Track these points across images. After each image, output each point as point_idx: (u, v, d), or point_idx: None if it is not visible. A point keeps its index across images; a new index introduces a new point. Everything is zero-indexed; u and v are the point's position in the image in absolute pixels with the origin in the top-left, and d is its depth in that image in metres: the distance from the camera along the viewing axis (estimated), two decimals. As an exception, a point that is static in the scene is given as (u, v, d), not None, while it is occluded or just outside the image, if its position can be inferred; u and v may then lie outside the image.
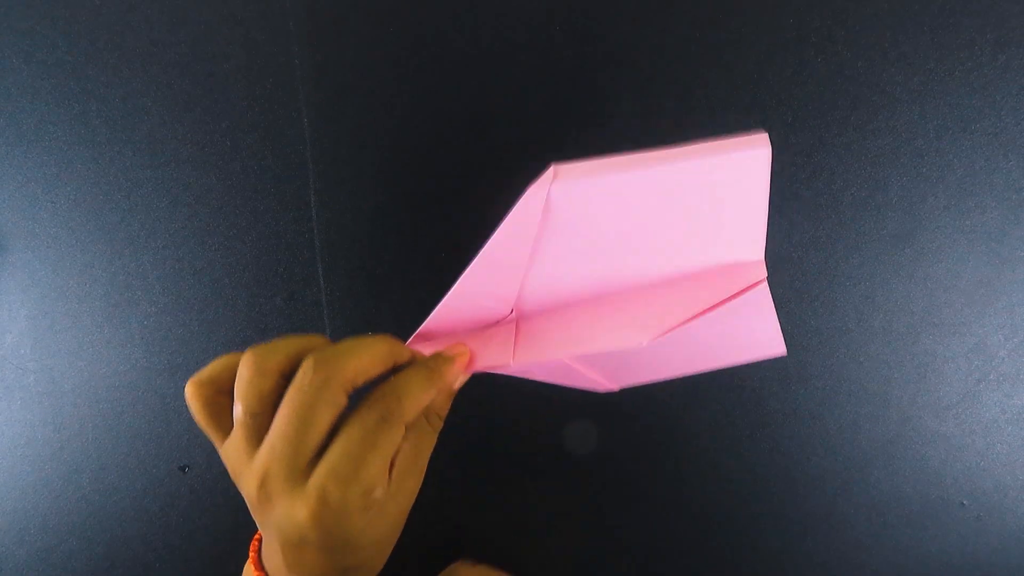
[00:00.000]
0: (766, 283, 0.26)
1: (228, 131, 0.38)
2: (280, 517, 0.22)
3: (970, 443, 0.37)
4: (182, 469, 0.38)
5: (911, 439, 0.37)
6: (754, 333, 0.28)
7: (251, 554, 0.26)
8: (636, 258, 0.28)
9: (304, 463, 0.21)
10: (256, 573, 0.25)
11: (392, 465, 0.24)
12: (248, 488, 0.22)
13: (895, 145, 0.37)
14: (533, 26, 0.38)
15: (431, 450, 0.26)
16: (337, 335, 0.38)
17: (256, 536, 0.26)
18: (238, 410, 0.22)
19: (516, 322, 0.29)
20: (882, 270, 0.37)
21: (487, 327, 0.30)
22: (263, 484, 0.22)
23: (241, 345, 0.38)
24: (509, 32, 0.38)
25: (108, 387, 0.38)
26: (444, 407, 0.27)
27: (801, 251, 0.37)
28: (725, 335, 0.28)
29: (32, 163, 0.38)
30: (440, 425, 0.27)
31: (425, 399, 0.24)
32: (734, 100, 0.36)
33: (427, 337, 0.30)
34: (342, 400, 0.23)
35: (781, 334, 0.28)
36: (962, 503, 0.37)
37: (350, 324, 0.38)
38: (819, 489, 0.38)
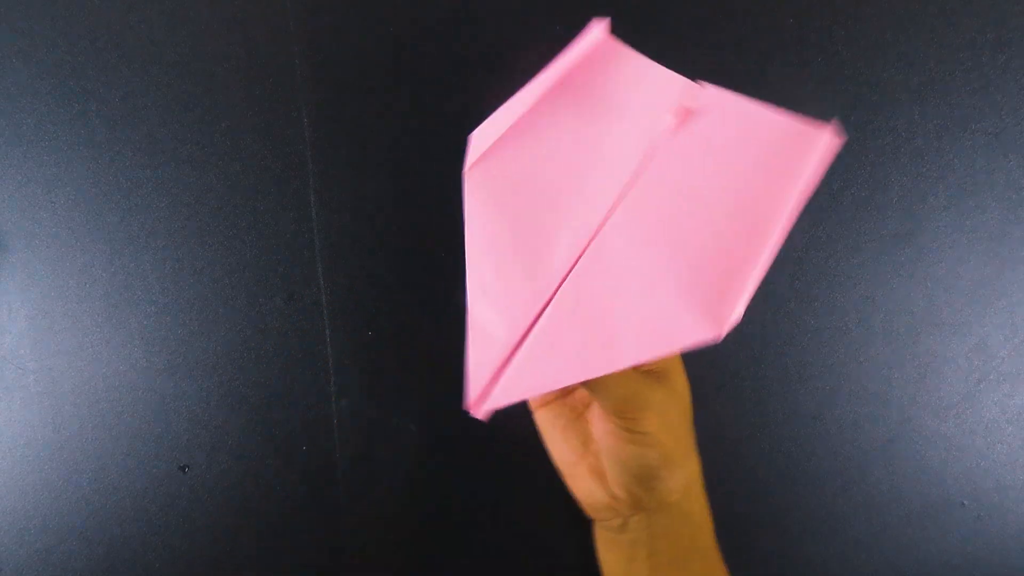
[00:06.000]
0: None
1: (228, 131, 0.38)
2: None
3: (970, 443, 0.37)
4: (182, 469, 0.38)
5: (911, 439, 0.37)
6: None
7: None
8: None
9: None
10: None
11: None
12: None
13: (895, 145, 0.37)
14: (533, 26, 0.38)
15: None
16: (337, 335, 0.38)
17: None
18: None
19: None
20: (882, 270, 0.37)
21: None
22: None
23: (241, 345, 0.38)
24: (509, 32, 0.38)
25: (108, 387, 0.38)
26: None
27: (801, 251, 0.37)
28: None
29: (32, 163, 0.38)
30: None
31: None
32: (734, 100, 0.36)
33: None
34: None
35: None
36: (962, 503, 0.37)
37: (350, 324, 0.38)
38: (819, 489, 0.38)
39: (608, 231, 0.26)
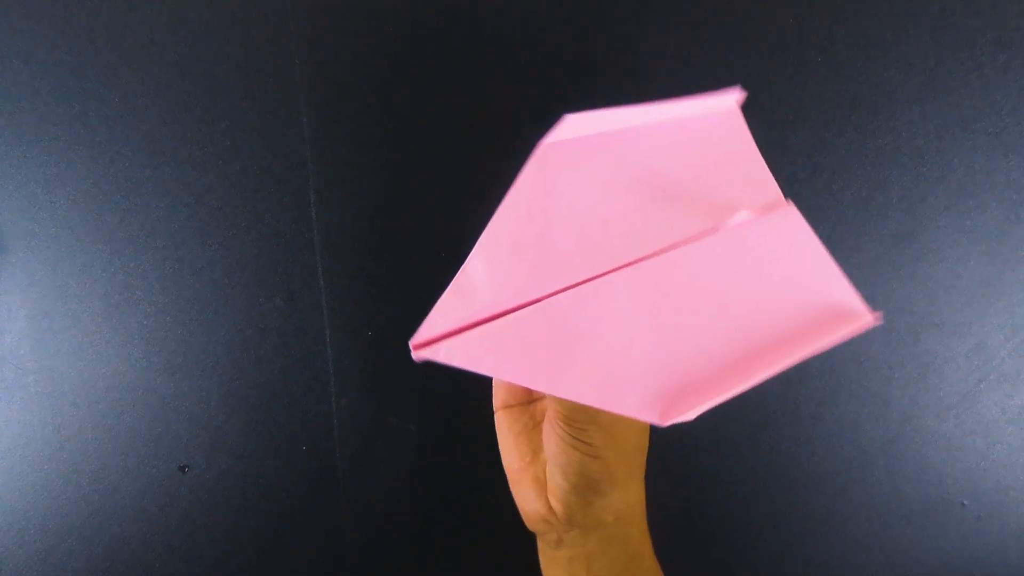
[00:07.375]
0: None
1: (228, 131, 0.38)
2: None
3: (970, 443, 0.37)
4: (182, 469, 0.38)
5: (911, 439, 0.37)
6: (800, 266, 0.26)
7: None
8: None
9: None
10: None
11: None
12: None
13: (895, 145, 0.37)
14: (533, 26, 0.38)
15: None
16: (337, 335, 0.38)
17: None
18: None
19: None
20: (882, 270, 0.37)
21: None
22: None
23: (241, 345, 0.38)
24: (509, 32, 0.38)
25: (108, 387, 0.38)
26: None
27: (801, 251, 0.37)
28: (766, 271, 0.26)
29: (32, 163, 0.38)
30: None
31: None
32: (734, 100, 0.36)
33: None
34: None
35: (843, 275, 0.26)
36: (962, 503, 0.37)
37: (350, 324, 0.38)
38: (819, 489, 0.38)
39: (623, 275, 0.26)
